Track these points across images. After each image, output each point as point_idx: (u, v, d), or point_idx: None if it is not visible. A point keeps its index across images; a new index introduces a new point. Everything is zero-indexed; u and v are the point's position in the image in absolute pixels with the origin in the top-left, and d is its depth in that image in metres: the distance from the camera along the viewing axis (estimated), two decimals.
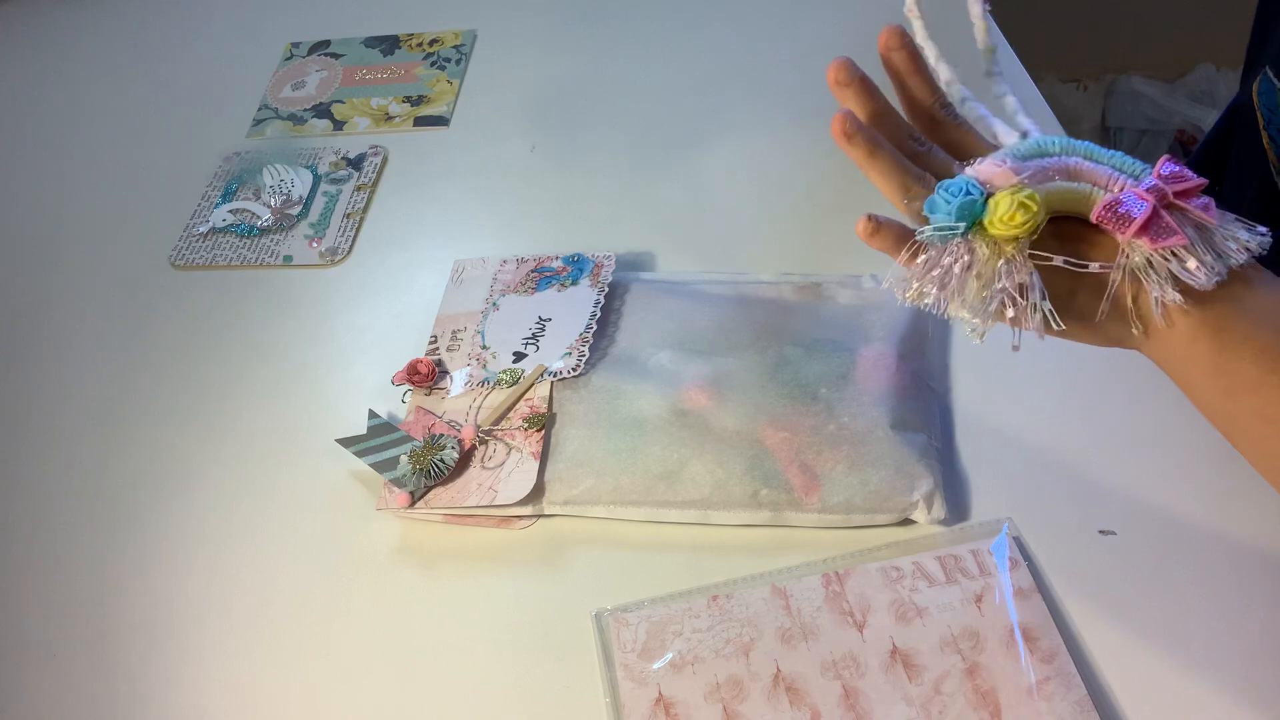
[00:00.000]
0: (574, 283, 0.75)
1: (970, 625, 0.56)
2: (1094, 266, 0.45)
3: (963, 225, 0.45)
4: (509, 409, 0.68)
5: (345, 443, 0.67)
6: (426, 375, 0.71)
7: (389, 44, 1.04)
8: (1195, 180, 0.44)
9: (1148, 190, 0.44)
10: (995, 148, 0.50)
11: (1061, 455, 0.64)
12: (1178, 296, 0.44)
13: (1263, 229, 0.44)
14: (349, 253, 0.84)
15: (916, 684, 0.54)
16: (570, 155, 0.90)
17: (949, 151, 0.52)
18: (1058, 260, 0.45)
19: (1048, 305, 0.45)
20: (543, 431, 0.66)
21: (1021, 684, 0.53)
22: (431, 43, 1.03)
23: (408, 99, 0.97)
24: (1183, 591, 0.57)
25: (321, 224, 0.86)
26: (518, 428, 0.67)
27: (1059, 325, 0.45)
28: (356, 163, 0.91)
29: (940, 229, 0.45)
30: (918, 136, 0.51)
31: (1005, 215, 0.44)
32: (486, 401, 0.69)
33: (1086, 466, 0.63)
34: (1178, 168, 0.45)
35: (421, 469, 0.65)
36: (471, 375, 0.71)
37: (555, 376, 0.69)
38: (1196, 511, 0.60)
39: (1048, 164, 0.46)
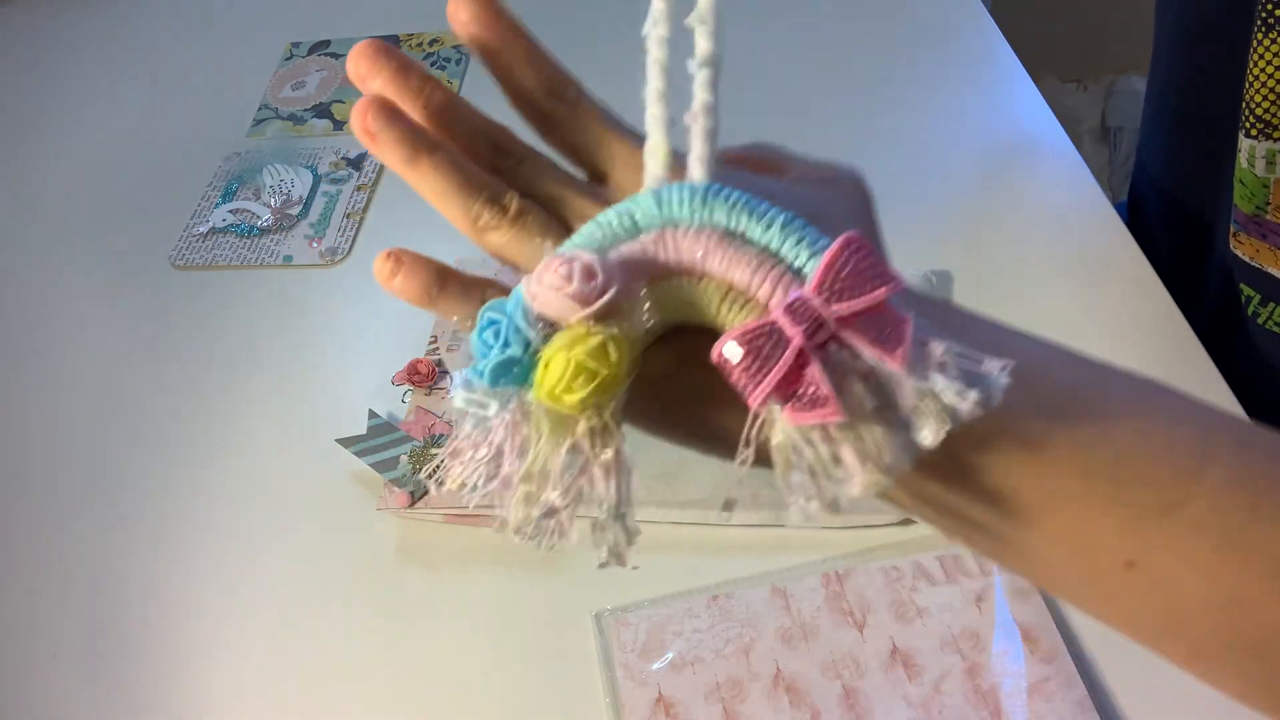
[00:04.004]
0: None
1: (970, 625, 0.56)
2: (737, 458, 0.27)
3: (495, 404, 0.27)
4: None
5: (345, 443, 0.67)
6: (426, 375, 0.71)
7: (389, 44, 1.04)
8: (875, 292, 0.25)
9: (790, 311, 0.26)
10: (637, 136, 0.32)
11: None
12: (818, 505, 0.26)
13: (992, 369, 0.26)
14: (349, 253, 0.84)
15: (916, 684, 0.54)
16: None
17: (573, 157, 0.34)
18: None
19: (624, 525, 0.28)
20: None
21: (1021, 684, 0.53)
22: (431, 43, 1.03)
23: None
24: None
25: (321, 224, 0.86)
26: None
27: (635, 564, 0.28)
28: (356, 163, 0.91)
29: (470, 402, 0.28)
30: (503, 144, 0.33)
31: (557, 383, 0.26)
32: None
33: None
34: (851, 260, 0.26)
35: (421, 469, 0.65)
36: None
37: None
38: None
39: (650, 248, 0.28)
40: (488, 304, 0.28)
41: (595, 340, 0.26)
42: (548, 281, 0.27)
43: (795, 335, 0.25)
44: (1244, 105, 0.58)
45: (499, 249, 0.32)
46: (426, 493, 0.65)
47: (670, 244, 0.28)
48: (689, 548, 0.62)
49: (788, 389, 0.25)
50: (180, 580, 0.64)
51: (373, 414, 0.69)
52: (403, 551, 0.64)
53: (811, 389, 0.25)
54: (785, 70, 0.94)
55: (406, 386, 0.71)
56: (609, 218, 0.29)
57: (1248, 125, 0.59)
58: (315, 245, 0.84)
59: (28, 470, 0.72)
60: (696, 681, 0.55)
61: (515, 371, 0.27)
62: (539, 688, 0.57)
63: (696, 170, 0.29)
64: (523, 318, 0.27)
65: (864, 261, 0.26)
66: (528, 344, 0.27)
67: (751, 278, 0.27)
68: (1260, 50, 0.56)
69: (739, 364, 0.26)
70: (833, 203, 0.33)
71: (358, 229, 0.86)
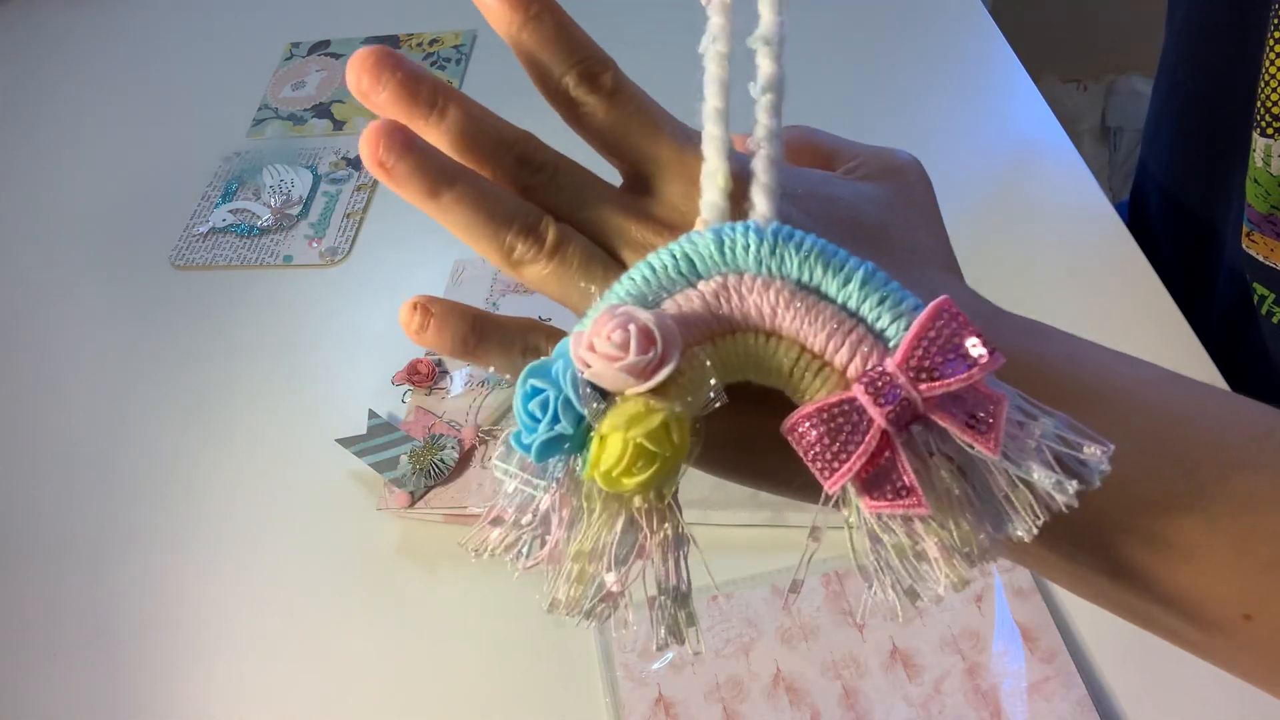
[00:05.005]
0: None
1: (970, 625, 0.56)
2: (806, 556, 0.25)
3: (542, 481, 0.25)
4: (509, 409, 0.68)
5: (345, 443, 0.67)
6: (426, 375, 0.71)
7: (389, 44, 1.04)
8: (969, 371, 0.22)
9: (873, 388, 0.23)
10: (683, 136, 0.30)
11: None
12: (895, 598, 0.24)
13: (1094, 454, 0.23)
14: (349, 253, 0.84)
15: (916, 684, 0.54)
16: (570, 155, 0.90)
17: (611, 156, 0.30)
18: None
19: (686, 610, 0.26)
20: None
21: (1021, 684, 0.53)
22: (431, 43, 1.03)
23: None
24: None
25: (321, 224, 0.86)
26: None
27: (699, 647, 0.26)
28: (356, 163, 0.91)
29: (513, 475, 0.26)
30: (530, 156, 0.29)
31: (614, 465, 0.23)
32: (486, 401, 0.69)
33: None
34: (943, 332, 0.23)
35: (421, 469, 0.65)
36: (471, 375, 0.71)
37: None
38: None
39: (711, 302, 0.25)
40: (530, 368, 0.25)
41: (655, 420, 0.23)
42: (601, 349, 0.24)
43: (878, 417, 0.23)
44: (1259, 104, 0.58)
45: (538, 283, 0.28)
46: (427, 492, 0.65)
47: (734, 297, 0.25)
48: None
49: (866, 471, 0.23)
50: (180, 579, 0.64)
51: (373, 414, 0.69)
52: (403, 551, 0.64)
53: (894, 476, 0.23)
54: (791, 67, 0.93)
55: (406, 386, 0.71)
56: (663, 260, 0.25)
57: (1263, 124, 0.58)
58: (315, 245, 0.84)
59: (27, 469, 0.72)
60: (696, 681, 0.55)
61: (566, 447, 0.24)
62: (539, 688, 0.57)
63: (760, 202, 0.26)
64: (573, 389, 0.24)
65: (957, 333, 0.23)
66: (580, 419, 0.24)
67: (828, 342, 0.24)
68: (1277, 49, 0.56)
69: (814, 443, 0.23)
70: (897, 199, 0.31)
71: (357, 229, 0.86)
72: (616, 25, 1.03)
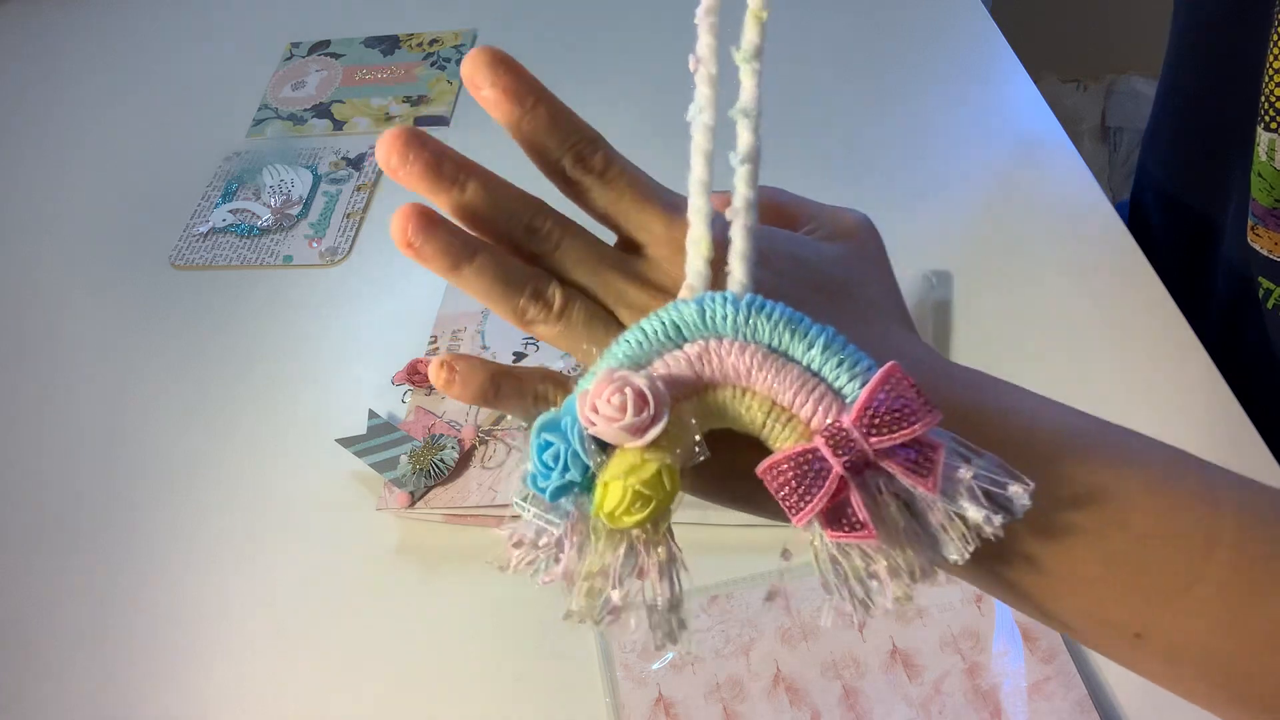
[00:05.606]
0: None
1: (970, 625, 0.56)
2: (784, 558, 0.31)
3: (556, 517, 0.30)
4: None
5: (345, 443, 0.67)
6: (426, 375, 0.71)
7: (389, 44, 1.04)
8: (910, 428, 0.27)
9: (832, 440, 0.28)
10: (670, 205, 0.33)
11: None
12: (851, 609, 0.29)
13: (1017, 489, 0.28)
14: (349, 253, 0.84)
15: (916, 684, 0.54)
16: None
17: (605, 224, 0.34)
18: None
19: (678, 616, 0.30)
20: None
21: (1021, 684, 0.54)
22: (431, 43, 1.03)
23: (408, 99, 0.97)
24: None
25: (321, 224, 0.86)
26: (518, 428, 0.67)
27: (690, 648, 0.32)
28: (356, 163, 0.91)
29: (530, 512, 0.30)
30: (539, 226, 0.33)
31: (616, 507, 0.28)
32: None
33: None
34: (890, 394, 0.28)
35: (421, 469, 0.65)
36: None
37: None
38: None
39: (695, 364, 0.29)
40: (543, 422, 0.29)
41: (650, 470, 0.28)
42: (603, 410, 0.28)
43: (836, 465, 0.28)
44: (1263, 99, 0.58)
45: (549, 339, 0.33)
46: (427, 492, 0.65)
47: (715, 359, 0.29)
48: (689, 548, 0.62)
49: (828, 508, 0.28)
50: (180, 580, 0.64)
51: (373, 414, 0.69)
52: (403, 551, 0.64)
53: (850, 512, 0.28)
54: (784, 71, 0.94)
55: (406, 386, 0.71)
56: (653, 326, 0.30)
57: (1267, 119, 0.58)
58: (315, 245, 0.85)
59: (27, 469, 0.72)
60: (696, 681, 0.55)
61: (575, 490, 0.29)
62: (539, 688, 0.57)
63: (737, 269, 0.30)
64: (580, 444, 0.29)
65: (902, 395, 0.27)
66: (586, 468, 0.29)
67: (795, 398, 0.29)
68: None
69: (784, 485, 0.28)
70: (854, 258, 0.36)
71: (357, 229, 0.86)
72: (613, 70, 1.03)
